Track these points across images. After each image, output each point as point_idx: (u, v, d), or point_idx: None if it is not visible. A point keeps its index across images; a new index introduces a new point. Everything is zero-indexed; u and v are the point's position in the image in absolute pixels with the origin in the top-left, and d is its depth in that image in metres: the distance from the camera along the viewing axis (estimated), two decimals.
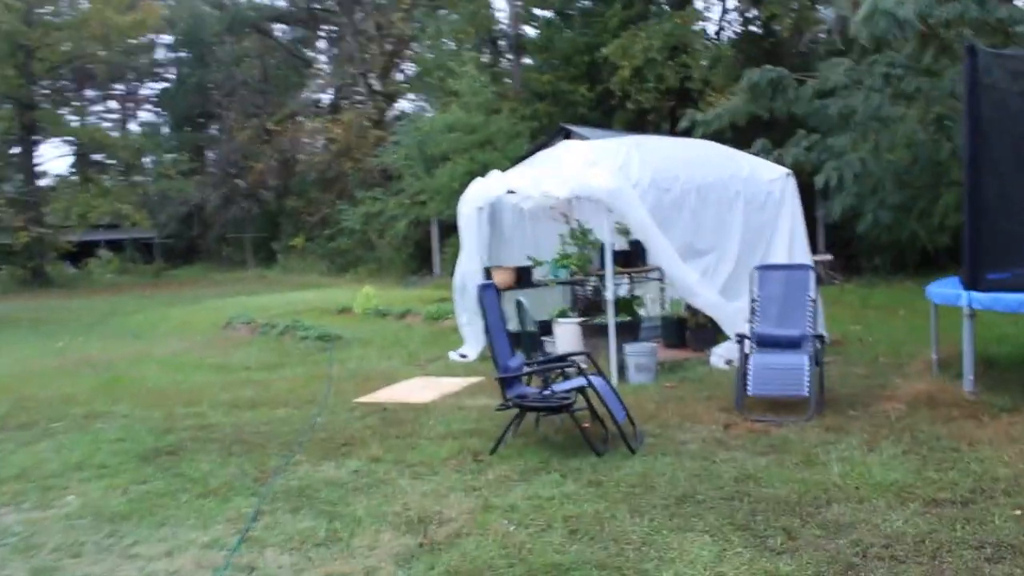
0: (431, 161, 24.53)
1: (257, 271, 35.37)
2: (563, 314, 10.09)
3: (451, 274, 25.56)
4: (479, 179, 10.88)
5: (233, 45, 42.48)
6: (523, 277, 10.82)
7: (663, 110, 25.60)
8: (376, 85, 38.92)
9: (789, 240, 10.17)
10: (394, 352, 11.76)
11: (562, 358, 6.80)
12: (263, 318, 16.40)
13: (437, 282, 24.62)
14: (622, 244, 10.70)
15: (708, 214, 9.79)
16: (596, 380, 6.29)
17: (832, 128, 14.73)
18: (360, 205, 29.09)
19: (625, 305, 10.28)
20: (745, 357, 7.43)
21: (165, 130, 47.53)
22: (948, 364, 8.60)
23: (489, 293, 6.54)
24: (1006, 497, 4.95)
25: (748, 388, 7.19)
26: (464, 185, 22.74)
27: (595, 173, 8.86)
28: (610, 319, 9.03)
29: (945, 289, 7.76)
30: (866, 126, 14.20)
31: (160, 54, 46.45)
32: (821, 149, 14.75)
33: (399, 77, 40.50)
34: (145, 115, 49.08)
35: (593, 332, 9.60)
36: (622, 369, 9.07)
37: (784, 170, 10.49)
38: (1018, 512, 4.70)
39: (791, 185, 10.41)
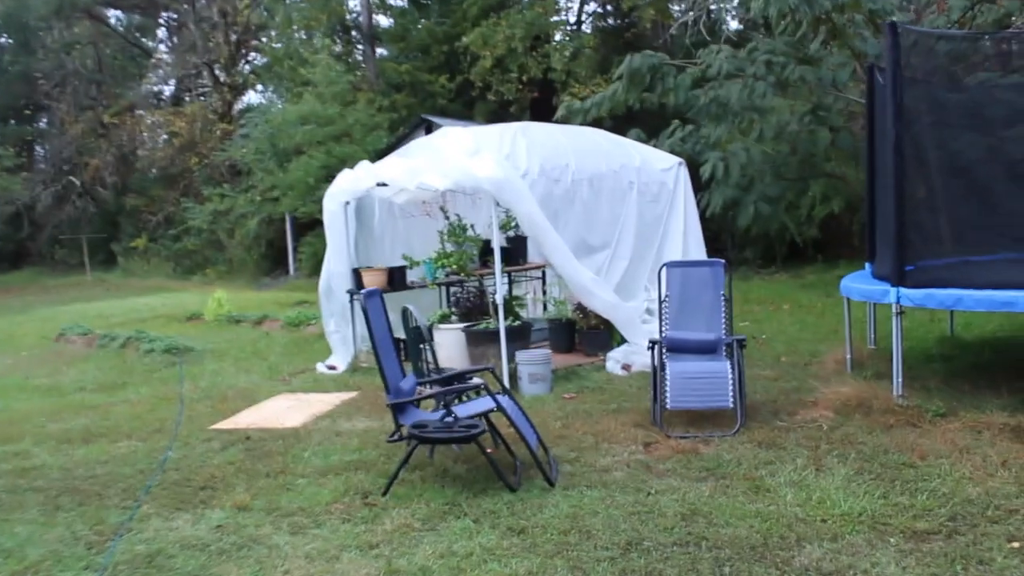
0: (283, 155, 23.01)
1: (96, 275, 32.71)
2: (445, 318, 9.13)
3: (308, 275, 24.33)
4: (346, 171, 9.77)
5: (63, 31, 39.34)
6: (396, 279, 9.81)
7: (525, 101, 24.94)
8: (222, 76, 36.77)
9: (684, 233, 9.54)
10: (253, 365, 10.51)
11: (461, 375, 5.82)
12: (102, 328, 14.72)
13: (293, 283, 23.16)
14: (500, 241, 9.83)
15: (601, 207, 9.04)
16: (504, 400, 5.36)
17: (705, 118, 14.29)
18: (207, 203, 27.18)
19: (509, 308, 9.41)
20: (661, 366, 6.67)
21: None
22: (859, 364, 8.13)
23: (373, 302, 5.52)
24: (991, 524, 4.32)
25: (666, 401, 6.42)
26: (321, 180, 21.73)
27: (479, 162, 7.94)
28: (500, 324, 8.13)
29: (867, 285, 7.22)
30: (742, 116, 13.82)
31: None
32: (695, 140, 14.31)
33: (246, 68, 38.42)
34: None
35: (478, 338, 8.68)
36: (513, 379, 8.21)
37: (676, 159, 9.86)
38: (1015, 544, 4.06)
39: (684, 174, 9.79)
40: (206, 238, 27.96)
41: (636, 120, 15.78)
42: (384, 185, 9.02)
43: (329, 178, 21.47)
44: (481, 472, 5.43)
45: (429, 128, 19.68)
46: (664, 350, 6.87)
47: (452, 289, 10.26)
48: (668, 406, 6.42)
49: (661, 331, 7.22)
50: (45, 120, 42.43)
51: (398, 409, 5.23)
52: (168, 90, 41.17)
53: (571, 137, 9.53)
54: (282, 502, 5.20)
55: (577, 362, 9.10)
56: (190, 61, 37.36)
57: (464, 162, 8.00)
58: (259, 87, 36.64)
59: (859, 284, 7.38)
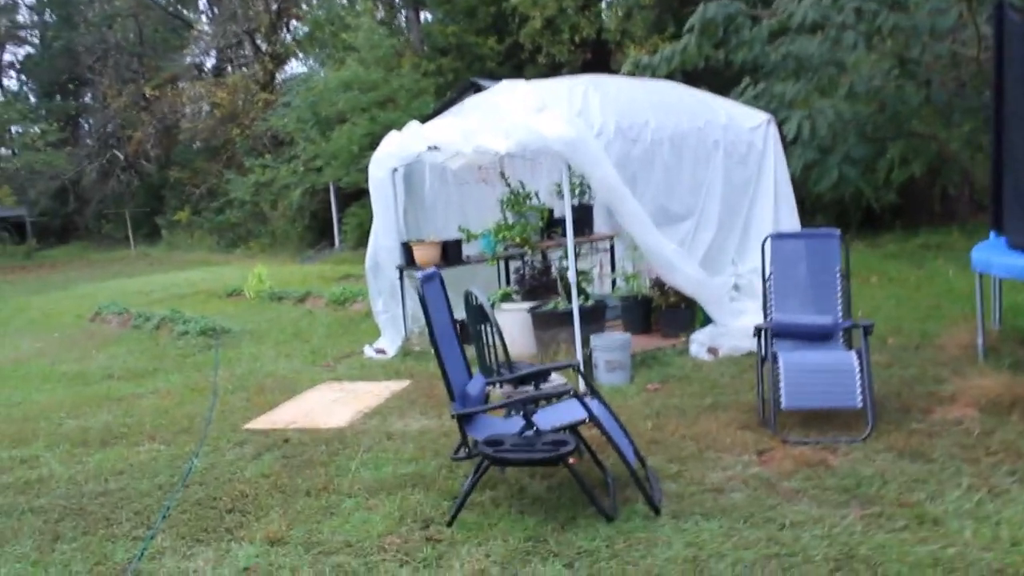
0: (326, 123, 22.11)
1: (140, 249, 32.25)
2: (507, 297, 8.12)
3: (353, 247, 23.43)
4: (393, 133, 8.76)
5: (104, 5, 38.81)
6: (450, 253, 8.82)
7: (577, 63, 23.69)
8: (263, 46, 35.94)
9: (774, 199, 8.40)
10: (294, 348, 9.61)
11: (540, 374, 4.80)
12: (140, 305, 13.98)
13: (338, 256, 22.32)
14: (560, 209, 8.81)
15: (683, 170, 7.94)
16: (595, 407, 4.33)
17: (781, 74, 13.00)
18: (249, 174, 26.41)
19: (577, 285, 8.37)
20: (773, 357, 5.59)
21: (32, 99, 43.37)
22: (995, 350, 6.97)
23: (432, 287, 4.52)
24: None
25: (780, 399, 5.35)
26: (365, 148, 20.76)
27: (547, 120, 6.87)
28: (574, 304, 7.10)
29: (1015, 260, 6.05)
30: (822, 71, 12.51)
31: (22, 16, 42.36)
32: (767, 98, 13.04)
33: (287, 38, 37.53)
34: (8, 83, 44.82)
35: (546, 321, 7.67)
36: (587, 367, 7.20)
37: (765, 115, 8.70)
38: None
39: (773, 133, 8.64)
40: (249, 210, 27.24)
41: (701, 79, 14.55)
42: (436, 149, 7.99)
43: (374, 146, 20.46)
44: (567, 492, 4.44)
45: (478, 91, 18.61)
46: (772, 337, 5.78)
47: (514, 264, 9.25)
48: (783, 405, 5.35)
49: (766, 314, 6.14)
50: (89, 95, 42.12)
51: (465, 419, 4.22)
52: (210, 62, 40.60)
53: (648, 91, 8.41)
54: (324, 532, 4.25)
55: (656, 345, 8.05)
56: (231, 31, 36.59)
57: (529, 120, 6.94)
58: (301, 56, 35.83)
59: (1003, 259, 6.22)
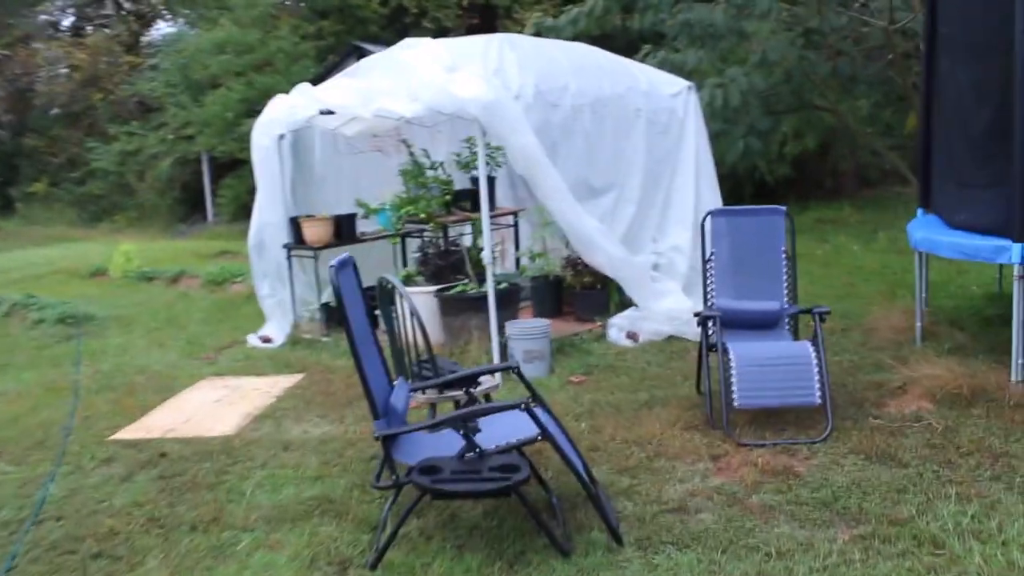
0: (198, 88, 20.63)
1: None
2: (409, 279, 7.36)
3: (229, 221, 22.07)
4: (280, 97, 7.85)
5: None
6: (344, 230, 8.02)
7: (463, 29, 22.87)
8: (125, 4, 33.65)
9: (695, 173, 7.88)
10: (169, 337, 8.60)
11: (473, 378, 4.09)
12: None
13: (212, 230, 20.95)
14: (463, 182, 8.13)
15: (605, 140, 7.32)
16: (543, 417, 3.64)
17: (684, 41, 12.54)
18: (114, 142, 24.54)
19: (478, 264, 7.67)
20: (722, 348, 5.03)
21: None
22: (932, 333, 6.64)
23: (347, 277, 3.73)
24: None
25: (734, 397, 4.80)
26: (241, 115, 19.44)
27: (462, 81, 6.12)
28: (490, 287, 6.40)
29: (963, 240, 5.64)
30: (727, 39, 12.12)
31: None
32: (666, 67, 12.58)
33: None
34: None
35: (456, 305, 6.95)
36: (501, 358, 6.55)
37: (685, 82, 8.16)
38: None
39: (694, 101, 8.11)
40: (113, 181, 25.35)
41: (599, 44, 13.99)
42: (330, 113, 7.13)
43: (251, 113, 19.35)
44: (510, 519, 3.76)
45: (361, 56, 17.58)
46: (717, 325, 5.22)
47: (413, 243, 8.48)
48: (736, 404, 4.80)
49: (706, 299, 5.58)
50: None
51: (391, 440, 3.47)
52: (67, 20, 37.85)
53: (566, 52, 7.71)
54: None
55: (571, 330, 7.45)
56: None
57: (442, 80, 6.16)
58: (169, 16, 33.68)
59: (945, 237, 5.83)
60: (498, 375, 4.82)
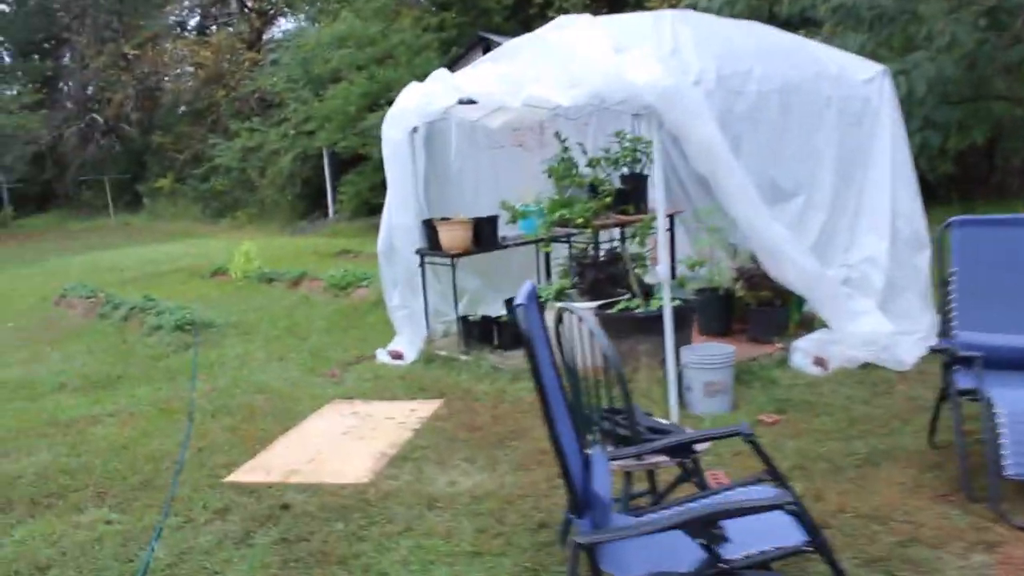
0: (319, 82, 20.22)
1: (121, 218, 30.34)
2: (561, 294, 6.41)
3: (349, 218, 21.59)
4: (414, 85, 7.01)
5: None
6: (484, 234, 7.14)
7: None
8: (249, 2, 33.86)
9: (892, 172, 6.68)
10: (290, 348, 7.90)
11: (688, 446, 3.10)
12: (112, 285, 12.26)
13: (333, 227, 20.53)
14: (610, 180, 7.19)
15: (792, 133, 6.20)
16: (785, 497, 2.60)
17: (847, 23, 11.23)
18: (236, 138, 24.47)
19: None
20: (985, 397, 3.90)
21: (6, 59, 41.14)
22: None
23: (533, 315, 2.74)
24: None
25: (1005, 464, 3.67)
26: (363, 109, 18.88)
27: (634, 63, 5.11)
28: (666, 307, 5.40)
29: None
30: (896, 22, 10.78)
31: None
32: None
33: None
34: None
35: (620, 326, 5.96)
36: (667, 388, 5.54)
37: (878, 66, 6.95)
38: None
39: (889, 88, 6.88)
40: (236, 177, 25.35)
41: None
42: (471, 103, 6.24)
43: (372, 107, 18.87)
44: None
45: (487, 48, 16.78)
46: (965, 364, 4.08)
47: (557, 250, 7.58)
48: (1008, 471, 3.67)
49: (946, 329, 4.44)
50: (67, 55, 39.93)
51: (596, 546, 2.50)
52: (193, 19, 38.45)
53: (745, 32, 6.60)
54: None
55: (746, 353, 6.36)
56: None
57: (610, 63, 5.17)
58: (290, 12, 33.74)
59: None
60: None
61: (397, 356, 7.21)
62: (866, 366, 6.16)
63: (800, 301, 6.75)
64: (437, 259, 7.20)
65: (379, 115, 18.19)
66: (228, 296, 11.05)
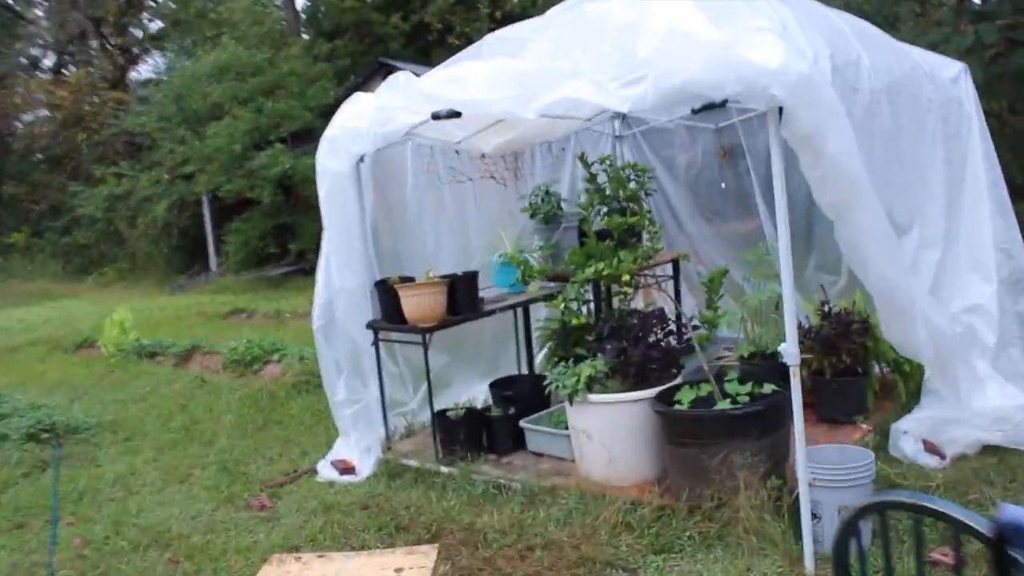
0: (197, 119, 17.89)
1: None
2: (593, 382, 4.52)
3: (236, 270, 19.23)
4: (361, 98, 5.09)
5: None
6: (462, 298, 5.24)
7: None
8: (111, 39, 31.02)
9: (989, 187, 5.15)
10: (193, 462, 5.78)
11: None
12: None
13: (218, 282, 18.12)
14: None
15: (903, 149, 4.56)
16: None
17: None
18: (101, 185, 21.71)
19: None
20: None
21: None
22: None
23: None
24: None
25: None
26: (249, 147, 16.65)
27: (749, 38, 3.32)
28: (796, 400, 3.61)
29: None
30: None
31: None
32: None
33: (140, 33, 32.55)
34: None
35: (695, 427, 4.12)
36: (788, 512, 3.78)
37: (958, 63, 5.43)
38: None
39: (972, 90, 5.36)
40: (101, 229, 22.51)
41: None
42: (454, 116, 4.35)
43: (262, 144, 16.69)
44: None
45: (388, 73, 14.91)
46: None
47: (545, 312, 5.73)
48: None
49: None
50: None
51: None
52: (48, 59, 35.20)
53: (843, 17, 4.86)
54: None
55: (822, 437, 4.69)
56: (72, 22, 31.54)
57: (708, 38, 3.35)
58: (157, 49, 31.03)
59: None
60: None
61: (347, 470, 5.21)
62: (995, 453, 4.57)
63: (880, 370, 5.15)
64: (399, 336, 5.26)
65: (269, 153, 16.22)
66: (100, 380, 8.73)
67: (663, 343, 4.45)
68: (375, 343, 5.27)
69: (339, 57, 19.35)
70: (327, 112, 16.56)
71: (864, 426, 5.04)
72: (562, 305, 4.31)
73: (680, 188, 7.07)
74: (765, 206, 6.61)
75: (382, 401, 5.37)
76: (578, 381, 4.39)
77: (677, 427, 4.06)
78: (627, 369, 4.39)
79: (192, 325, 11.84)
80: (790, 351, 3.53)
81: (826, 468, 3.72)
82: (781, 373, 5.41)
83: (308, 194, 16.14)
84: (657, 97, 3.50)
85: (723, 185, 6.72)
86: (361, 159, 5.15)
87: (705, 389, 4.30)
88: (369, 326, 5.25)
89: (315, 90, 16.78)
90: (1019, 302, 5.27)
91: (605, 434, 4.39)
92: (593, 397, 4.36)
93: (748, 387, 4.25)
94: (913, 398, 5.17)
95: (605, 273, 4.28)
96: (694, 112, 3.90)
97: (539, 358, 6.55)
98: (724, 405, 4.05)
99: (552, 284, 5.58)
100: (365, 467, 5.22)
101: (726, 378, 4.35)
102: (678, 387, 4.41)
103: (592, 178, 4.72)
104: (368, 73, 16.48)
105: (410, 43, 20.53)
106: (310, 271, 17.22)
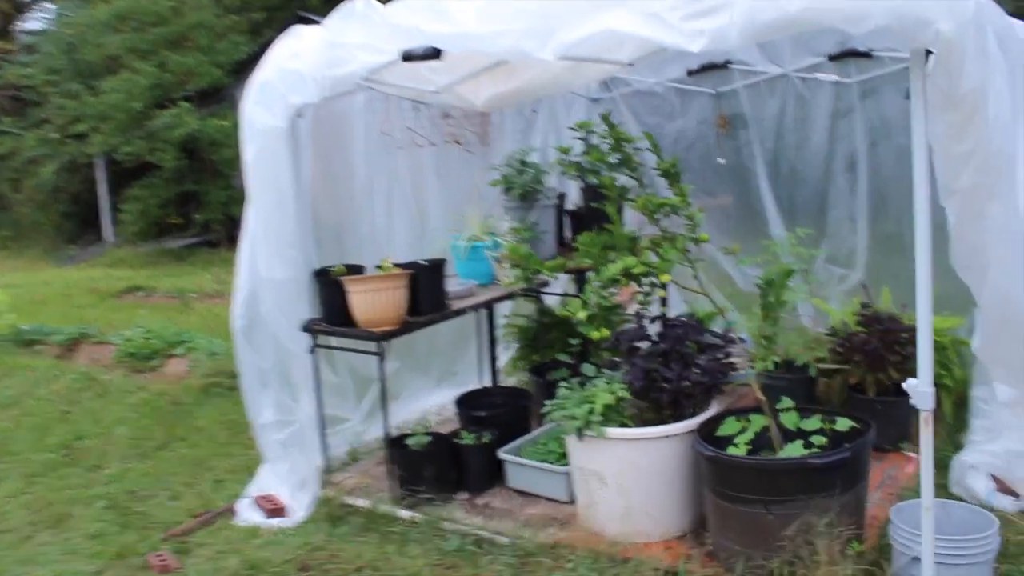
0: (91, 73, 16.13)
1: None
2: (612, 414, 3.46)
3: (134, 241, 17.58)
4: (303, 30, 3.91)
5: None
6: (425, 293, 4.14)
7: None
8: None
9: None
10: (72, 497, 4.54)
11: None
12: None
13: (113, 253, 16.45)
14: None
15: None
16: None
17: None
18: None
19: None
20: None
21: None
22: None
23: None
24: None
25: None
26: (151, 104, 15.01)
27: None
28: (926, 454, 2.63)
29: None
30: None
31: None
32: None
33: None
34: None
35: (756, 479, 3.11)
36: None
37: None
38: None
39: None
40: None
41: None
42: (433, 56, 3.23)
43: (165, 102, 15.04)
44: None
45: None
46: None
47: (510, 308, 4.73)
48: None
49: None
50: None
51: None
52: None
53: None
54: None
55: (878, 469, 3.82)
56: None
57: None
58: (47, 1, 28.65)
59: None
60: None
61: (276, 511, 4.07)
62: None
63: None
64: (347, 341, 4.13)
65: (173, 113, 14.65)
66: None
67: (703, 363, 3.42)
68: (313, 350, 4.13)
69: (252, 9, 17.72)
70: (238, 70, 15.15)
71: (911, 455, 4.18)
72: (581, 314, 3.24)
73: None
74: (769, 186, 5.72)
75: (320, 421, 4.24)
76: (591, 411, 3.35)
77: (733, 477, 3.06)
78: (657, 396, 3.36)
79: (82, 305, 10.37)
80: (922, 392, 2.55)
81: (946, 540, 2.78)
82: (807, 389, 4.53)
83: (215, 159, 14.70)
84: (750, 31, 2.46)
85: (721, 160, 5.76)
86: (299, 116, 3.98)
87: (757, 423, 3.31)
88: (305, 328, 4.10)
89: (225, 44, 15.22)
90: None
91: (624, 478, 3.37)
92: (612, 432, 3.32)
93: (815, 421, 3.28)
94: (959, 419, 4.36)
95: (637, 271, 3.23)
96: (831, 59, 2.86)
97: (502, 361, 5.52)
98: (797, 450, 3.06)
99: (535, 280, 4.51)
100: (299, 507, 4.09)
101: (778, 406, 3.38)
102: (719, 418, 3.41)
103: (616, 144, 3.64)
104: (285, 27, 14.99)
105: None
106: (216, 244, 15.93)
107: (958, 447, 4.28)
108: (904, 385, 2.65)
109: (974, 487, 3.79)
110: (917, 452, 4.24)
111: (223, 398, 5.86)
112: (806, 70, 5.31)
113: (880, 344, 4.23)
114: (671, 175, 3.39)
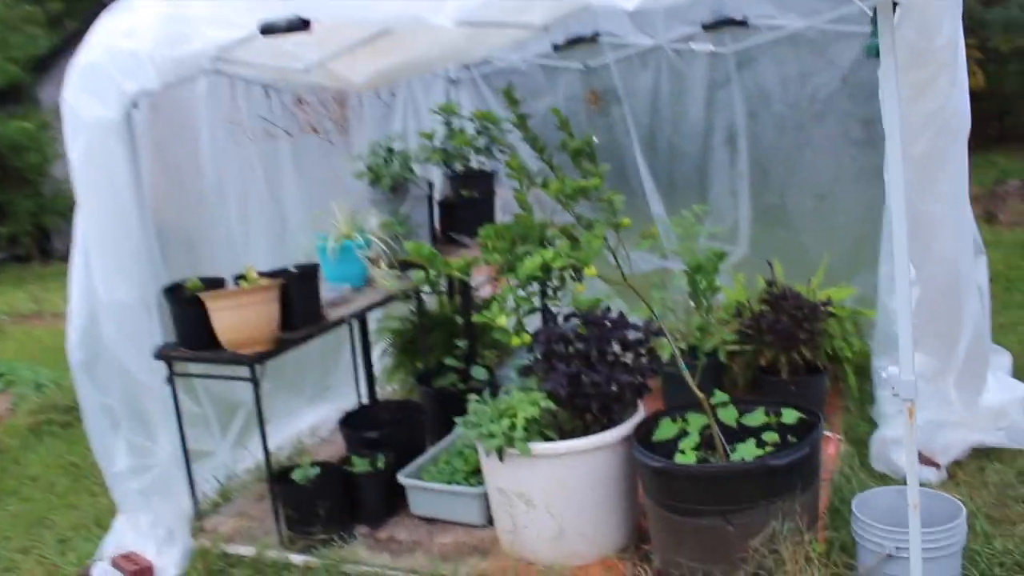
0: None
1: None
2: (545, 428, 3.07)
3: None
4: (132, 3, 3.28)
5: None
6: (302, 303, 3.62)
7: None
8: None
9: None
10: None
11: None
12: None
13: None
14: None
15: None
16: None
17: None
18: None
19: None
20: None
21: None
22: None
23: None
24: None
25: None
26: None
27: None
28: (910, 449, 2.38)
29: None
30: None
31: None
32: None
33: None
34: None
35: (712, 486, 2.79)
36: None
37: None
38: None
39: None
40: None
41: None
42: (297, 29, 2.73)
43: None
44: None
45: None
46: None
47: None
48: None
49: None
50: None
51: None
52: None
53: None
54: None
55: None
56: None
57: None
58: None
59: None
60: None
61: (140, 572, 3.46)
62: (984, 454, 3.74)
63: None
64: (213, 367, 3.56)
65: None
66: None
67: (628, 361, 3.08)
68: (170, 379, 3.54)
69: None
70: (38, 67, 13.79)
71: (834, 435, 4.01)
72: (505, 319, 2.81)
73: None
74: (646, 164, 5.46)
75: (185, 461, 3.65)
76: (512, 427, 2.94)
77: (685, 489, 2.72)
78: (584, 402, 2.99)
79: None
80: (904, 380, 2.29)
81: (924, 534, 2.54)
82: (714, 376, 4.28)
83: (20, 165, 13.32)
84: None
85: (594, 139, 5.46)
86: (137, 103, 3.37)
87: (695, 422, 2.99)
88: (159, 356, 3.50)
89: (20, 38, 13.82)
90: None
91: (554, 498, 2.99)
92: (538, 448, 2.93)
93: (759, 415, 3.00)
94: (863, 391, 4.26)
95: (558, 264, 2.84)
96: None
97: (378, 369, 5.04)
98: (751, 451, 2.76)
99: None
100: (169, 564, 3.50)
101: (712, 400, 3.07)
102: (652, 420, 3.08)
103: (521, 122, 3.24)
104: (89, 18, 13.77)
105: None
106: (26, 259, 14.48)
107: (868, 421, 4.16)
108: (884, 375, 2.40)
109: (898, 462, 3.64)
110: (836, 433, 4.10)
111: (57, 438, 5.12)
112: (680, 40, 5.08)
113: (790, 322, 4.03)
114: (584, 155, 3.01)
